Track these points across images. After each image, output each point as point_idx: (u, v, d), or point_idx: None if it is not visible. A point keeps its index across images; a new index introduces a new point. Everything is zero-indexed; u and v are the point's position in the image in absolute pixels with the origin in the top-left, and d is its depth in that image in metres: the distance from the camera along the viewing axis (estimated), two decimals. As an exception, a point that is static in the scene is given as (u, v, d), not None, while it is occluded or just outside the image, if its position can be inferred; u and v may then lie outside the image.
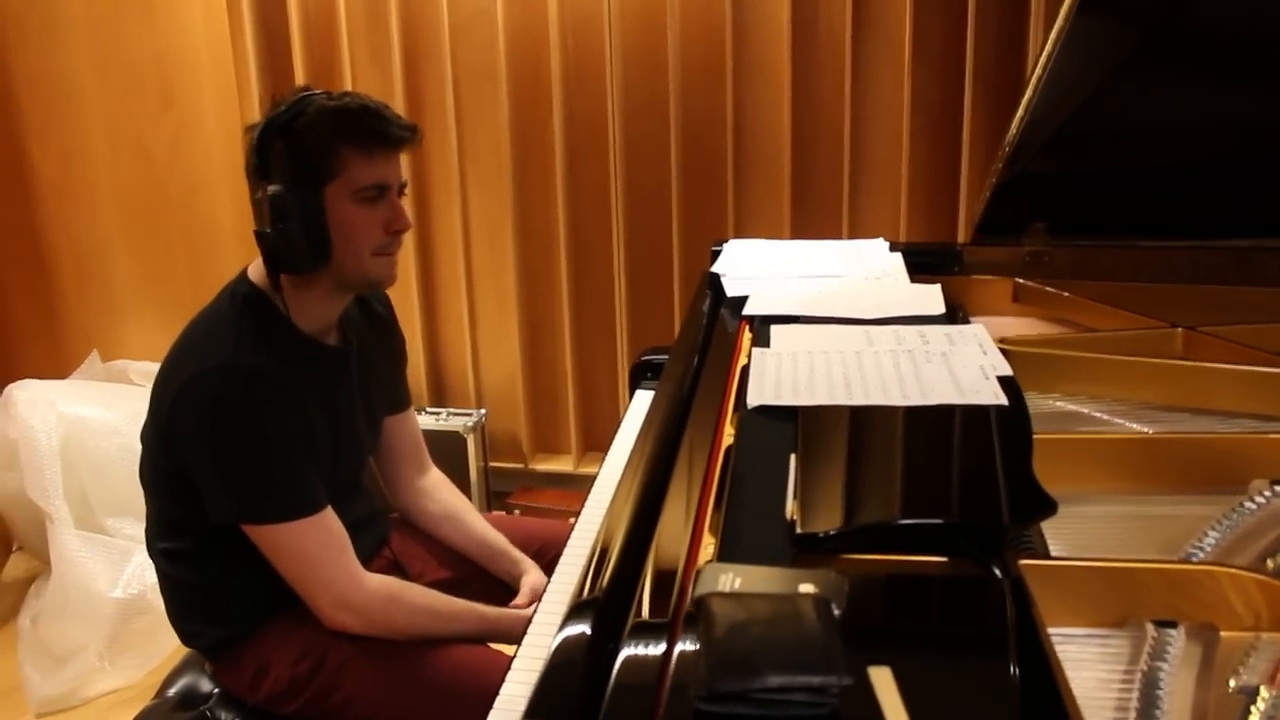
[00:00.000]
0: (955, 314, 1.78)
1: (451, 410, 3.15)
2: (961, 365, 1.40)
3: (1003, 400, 1.29)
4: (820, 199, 2.76)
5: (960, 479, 1.16)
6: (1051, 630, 1.02)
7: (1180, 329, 1.63)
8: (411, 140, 1.53)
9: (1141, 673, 0.97)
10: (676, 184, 2.87)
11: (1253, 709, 0.92)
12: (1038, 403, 1.52)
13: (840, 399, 1.32)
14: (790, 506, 1.10)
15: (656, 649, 0.91)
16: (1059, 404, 1.54)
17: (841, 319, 1.63)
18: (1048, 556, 1.10)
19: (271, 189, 1.45)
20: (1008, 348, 1.57)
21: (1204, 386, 1.48)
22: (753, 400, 1.35)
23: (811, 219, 2.77)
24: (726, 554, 1.05)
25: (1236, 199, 1.93)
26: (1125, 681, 0.96)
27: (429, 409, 3.15)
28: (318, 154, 1.46)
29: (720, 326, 1.75)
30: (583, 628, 0.97)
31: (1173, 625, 1.02)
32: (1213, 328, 1.61)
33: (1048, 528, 1.19)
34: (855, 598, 0.91)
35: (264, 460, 1.47)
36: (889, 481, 1.14)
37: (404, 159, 1.58)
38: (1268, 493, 1.26)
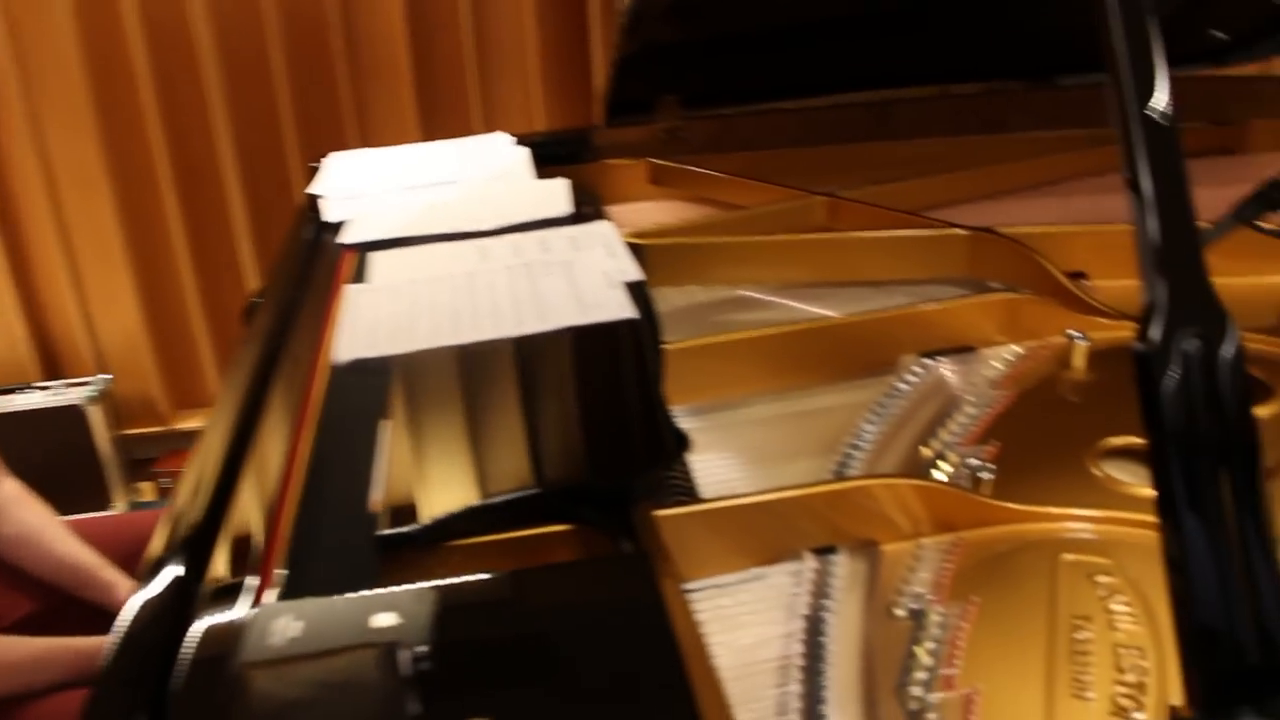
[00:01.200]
0: (589, 208, 1.60)
1: (68, 381, 2.71)
2: (585, 274, 1.21)
3: (629, 312, 1.11)
4: (448, 96, 2.50)
5: (579, 427, 0.98)
6: (703, 582, 0.87)
7: (821, 197, 1.51)
8: None
9: (804, 616, 0.83)
10: (286, 95, 2.52)
11: (920, 641, 0.79)
12: (675, 301, 1.37)
13: (445, 338, 1.11)
14: (376, 496, 0.88)
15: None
16: (701, 298, 1.40)
17: (456, 235, 1.41)
18: (691, 498, 0.94)
19: None
20: (639, 241, 1.41)
21: (849, 258, 1.37)
22: (341, 354, 1.11)
23: (442, 119, 2.51)
24: (296, 574, 0.82)
25: (869, 51, 1.84)
26: (787, 634, 0.82)
27: (39, 384, 2.70)
28: None
29: (324, 259, 1.49)
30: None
31: (832, 550, 0.89)
32: (853, 191, 1.51)
33: (701, 447, 1.04)
34: (447, 616, 0.71)
35: None
36: (491, 445, 0.95)
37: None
38: (917, 369, 1.16)
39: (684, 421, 1.12)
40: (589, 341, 1.08)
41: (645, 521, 0.84)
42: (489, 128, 2.49)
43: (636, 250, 1.39)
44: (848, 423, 1.08)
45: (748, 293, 1.39)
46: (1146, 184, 0.64)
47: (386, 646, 0.68)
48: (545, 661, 0.67)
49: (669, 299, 1.39)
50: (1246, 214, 1.06)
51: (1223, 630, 0.58)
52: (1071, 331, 1.16)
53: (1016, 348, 1.19)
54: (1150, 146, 0.65)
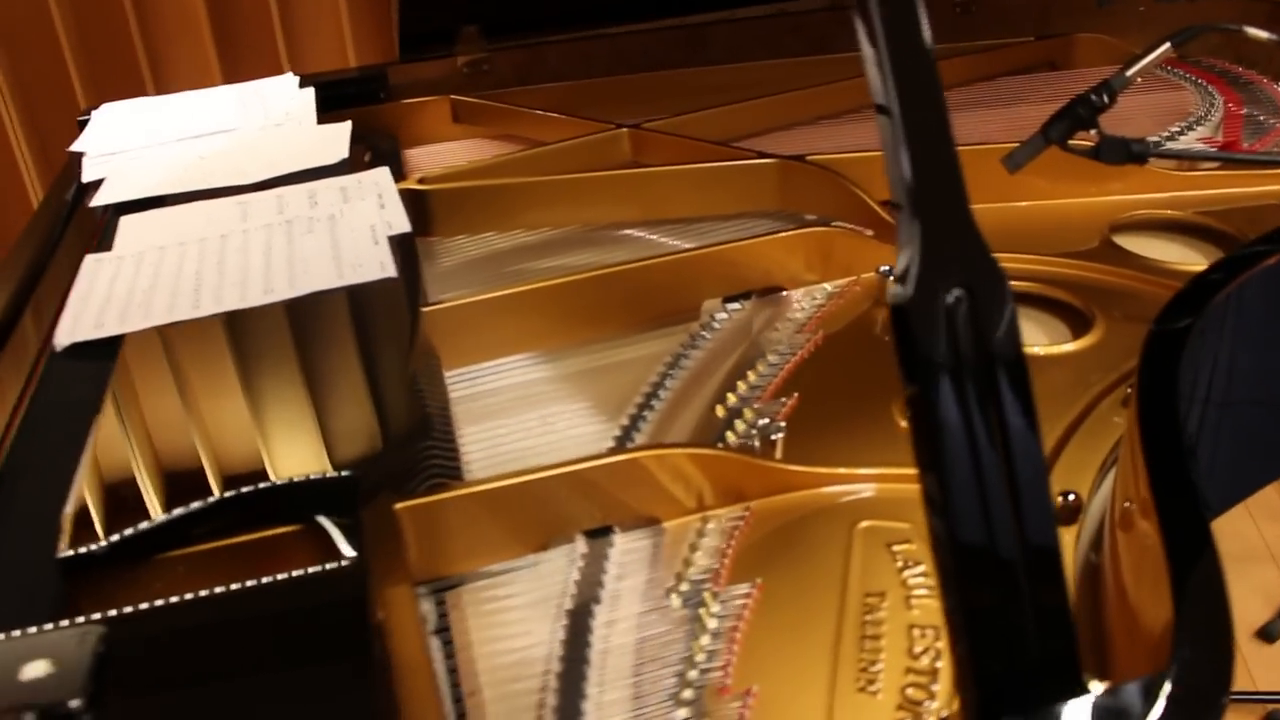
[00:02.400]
0: (377, 154, 1.46)
1: None
2: (350, 230, 1.08)
3: (390, 271, 0.99)
4: (249, 32, 2.30)
5: (309, 410, 0.86)
6: (460, 578, 0.77)
7: (625, 129, 1.40)
8: None
9: (568, 611, 0.73)
10: (65, 37, 2.28)
11: (696, 635, 0.70)
12: (464, 250, 1.25)
13: (184, 312, 0.97)
14: (68, 509, 0.75)
15: None
16: (502, 245, 1.28)
17: (220, 191, 1.26)
18: (454, 481, 0.83)
19: None
20: (424, 187, 1.28)
21: (653, 194, 1.27)
22: (62, 337, 0.97)
23: (244, 59, 2.31)
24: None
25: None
26: (552, 632, 0.72)
27: None
28: None
29: (81, 226, 1.33)
30: None
31: (608, 531, 0.80)
32: (656, 122, 1.40)
33: (478, 416, 0.93)
34: (112, 659, 0.59)
35: None
36: (212, 438, 0.82)
37: None
38: (722, 315, 1.06)
39: (459, 387, 1.01)
40: (345, 304, 0.96)
41: (381, 515, 0.73)
42: (297, 67, 2.31)
43: (421, 197, 1.27)
44: (641, 379, 0.98)
45: (549, 237, 1.27)
46: (895, 108, 0.54)
47: (34, 704, 0.56)
48: (222, 713, 0.56)
49: (464, 249, 1.27)
50: (1054, 133, 0.99)
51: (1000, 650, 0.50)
52: (885, 267, 1.08)
53: (828, 286, 1.11)
54: (897, 61, 0.54)
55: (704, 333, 1.04)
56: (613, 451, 0.81)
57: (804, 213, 1.23)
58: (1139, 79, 0.99)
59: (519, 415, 0.98)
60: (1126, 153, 0.96)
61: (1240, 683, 1.66)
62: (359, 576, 0.64)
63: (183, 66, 2.31)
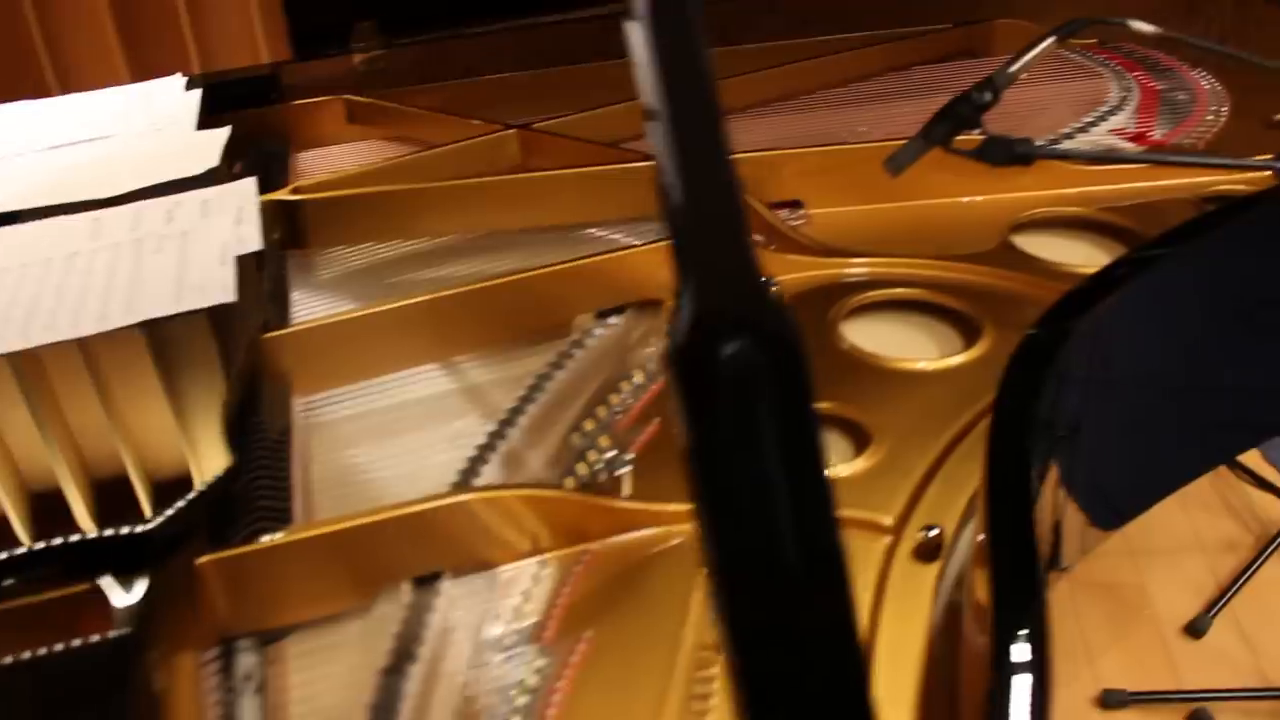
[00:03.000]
0: (266, 157, 1.40)
1: None
2: (201, 248, 1.02)
3: (229, 296, 0.93)
4: (155, 26, 2.22)
5: (109, 452, 0.81)
6: (282, 631, 0.71)
7: (515, 130, 1.34)
8: None
9: (381, 671, 0.68)
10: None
11: (512, 698, 0.65)
12: (343, 262, 1.19)
13: (14, 343, 0.91)
14: None
15: None
16: (380, 254, 1.22)
17: (80, 205, 1.19)
18: (278, 525, 0.77)
19: None
20: (301, 197, 1.22)
21: (537, 201, 1.21)
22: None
23: (151, 55, 2.23)
24: None
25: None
26: (368, 692, 0.67)
27: None
28: None
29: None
30: None
31: (436, 578, 0.75)
32: (550, 121, 1.34)
33: (324, 447, 0.88)
34: None
35: None
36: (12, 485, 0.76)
37: None
38: (597, 330, 1.01)
39: (318, 413, 0.96)
40: (173, 335, 0.90)
41: (176, 572, 0.67)
42: (207, 64, 2.24)
43: (295, 208, 1.21)
44: (503, 403, 0.93)
45: (431, 246, 1.22)
46: (664, 120, 0.49)
47: None
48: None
49: (343, 261, 1.21)
50: (936, 135, 0.94)
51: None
52: (762, 279, 1.02)
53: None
54: (666, 63, 0.49)
55: (574, 350, 0.99)
56: (440, 495, 0.75)
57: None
58: (1024, 75, 0.94)
59: (375, 445, 0.93)
60: (1010, 154, 0.91)
61: (1165, 681, 1.63)
62: (129, 649, 0.59)
63: (86, 63, 2.23)
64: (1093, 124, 1.41)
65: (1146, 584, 1.83)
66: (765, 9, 1.69)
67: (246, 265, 0.99)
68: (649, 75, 0.48)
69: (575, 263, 1.03)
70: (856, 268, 1.08)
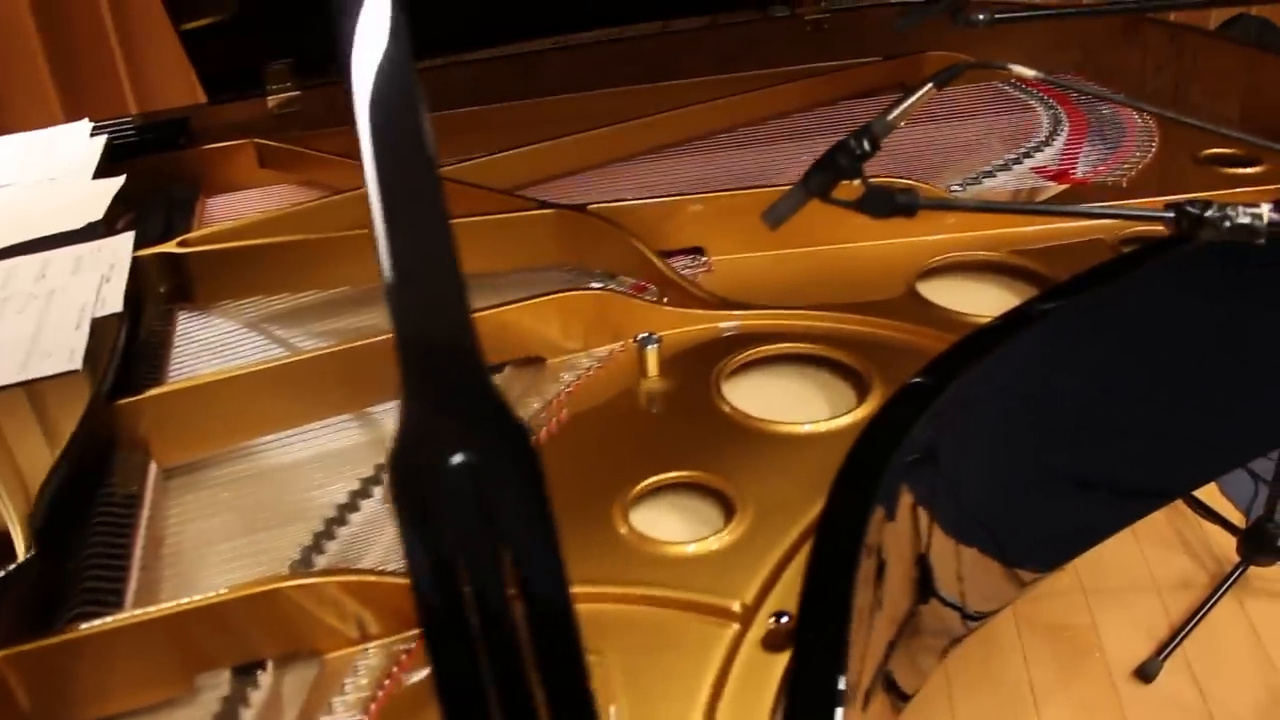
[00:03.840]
0: (173, 204, 1.37)
1: None
2: (62, 309, 0.99)
3: (75, 364, 0.89)
4: (90, 67, 2.19)
5: None
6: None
7: (416, 176, 1.30)
8: None
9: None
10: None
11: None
12: (230, 317, 1.15)
13: None
14: None
15: None
16: (277, 308, 1.18)
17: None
18: (110, 609, 0.73)
19: None
20: (188, 250, 1.18)
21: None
22: None
23: (89, 95, 2.20)
24: None
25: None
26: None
27: None
28: None
29: None
30: None
31: (260, 668, 0.70)
32: (450, 168, 1.30)
33: (191, 518, 0.84)
34: None
35: None
36: None
37: None
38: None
39: (174, 481, 0.92)
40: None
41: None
42: (143, 103, 2.21)
43: (181, 261, 1.17)
44: (361, 471, 0.89)
45: (321, 299, 1.18)
46: (379, 211, 0.45)
47: None
48: None
49: (230, 315, 1.17)
50: (814, 185, 0.90)
51: None
52: (643, 334, 0.99)
53: (584, 358, 1.02)
54: (379, 141, 0.45)
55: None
56: (250, 584, 0.71)
57: (587, 268, 1.14)
58: (902, 123, 0.90)
59: (231, 516, 0.89)
60: (892, 205, 0.87)
61: (1112, 728, 1.58)
62: None
63: (20, 100, 2.20)
64: (1016, 160, 1.38)
65: (1099, 623, 1.78)
66: (690, 46, 1.65)
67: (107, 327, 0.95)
68: (370, 180, 0.45)
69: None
70: (749, 320, 1.04)
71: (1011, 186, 1.32)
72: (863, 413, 0.91)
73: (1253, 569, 1.80)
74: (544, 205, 1.16)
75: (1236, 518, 1.89)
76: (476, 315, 0.96)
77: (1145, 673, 1.66)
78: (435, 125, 1.36)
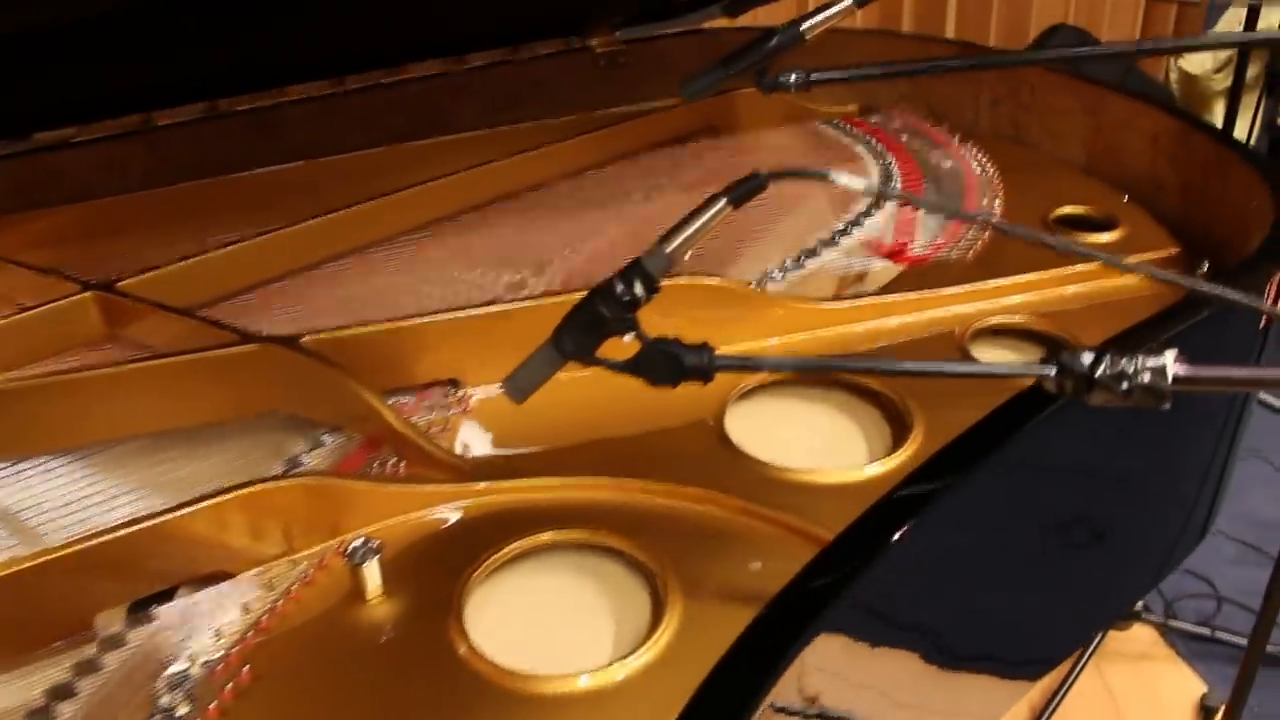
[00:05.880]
0: None
1: None
2: None
3: None
4: None
5: None
6: None
7: (92, 292, 1.01)
8: None
9: None
10: None
11: None
12: None
13: None
14: None
15: None
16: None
17: None
18: None
19: None
20: None
21: (97, 405, 0.89)
22: None
23: None
24: None
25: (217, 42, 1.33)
26: None
27: None
28: None
29: None
30: None
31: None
32: (137, 279, 1.02)
33: None
34: None
35: None
36: None
37: None
38: (130, 637, 0.70)
39: None
40: None
41: None
42: None
43: None
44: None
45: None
46: None
47: None
48: None
49: None
50: (569, 348, 0.66)
51: None
52: (355, 541, 0.73)
53: (288, 569, 0.75)
54: None
55: (85, 676, 0.68)
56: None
57: (308, 416, 0.88)
58: (687, 253, 0.67)
59: None
60: (681, 371, 0.64)
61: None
62: None
63: None
64: (844, 231, 1.17)
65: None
66: (457, 91, 1.40)
67: None
68: None
69: (74, 547, 0.71)
70: (509, 495, 0.80)
71: (838, 267, 1.11)
72: (665, 640, 0.68)
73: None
74: (246, 338, 0.88)
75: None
76: (108, 540, 0.69)
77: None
78: (157, 203, 1.02)
